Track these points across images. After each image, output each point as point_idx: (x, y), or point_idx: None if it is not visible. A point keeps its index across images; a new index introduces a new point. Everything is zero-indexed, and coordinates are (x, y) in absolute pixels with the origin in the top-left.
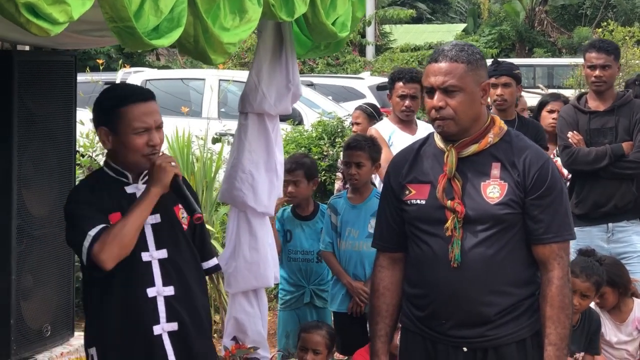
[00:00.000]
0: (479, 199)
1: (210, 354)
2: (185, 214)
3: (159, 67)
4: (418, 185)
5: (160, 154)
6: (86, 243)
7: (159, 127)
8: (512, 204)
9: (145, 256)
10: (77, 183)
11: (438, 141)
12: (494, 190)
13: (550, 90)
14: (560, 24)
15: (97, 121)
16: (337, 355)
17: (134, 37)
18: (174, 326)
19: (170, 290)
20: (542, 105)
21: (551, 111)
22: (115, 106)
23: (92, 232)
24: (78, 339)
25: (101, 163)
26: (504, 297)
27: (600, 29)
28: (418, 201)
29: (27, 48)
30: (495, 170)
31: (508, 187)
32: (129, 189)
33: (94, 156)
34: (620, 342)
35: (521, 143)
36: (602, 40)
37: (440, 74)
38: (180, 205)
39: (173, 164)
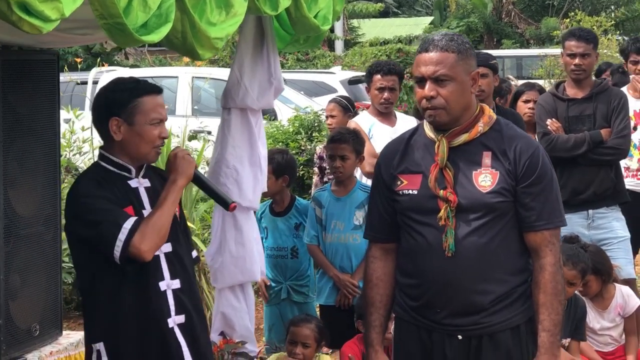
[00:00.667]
0: (471, 187)
1: (210, 346)
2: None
3: (129, 67)
4: (410, 175)
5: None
6: (122, 236)
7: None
8: (504, 192)
9: None
10: (79, 178)
11: (428, 131)
12: (485, 179)
13: (520, 82)
14: (527, 15)
15: (108, 112)
16: (324, 348)
17: (124, 34)
18: (181, 318)
19: (177, 283)
20: (517, 95)
21: (527, 101)
22: (132, 97)
23: (128, 225)
24: (66, 337)
25: (78, 163)
26: (498, 285)
27: (568, 19)
28: (410, 191)
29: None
30: (487, 159)
31: (499, 176)
32: (132, 183)
33: (70, 156)
34: (604, 329)
35: (511, 132)
36: (582, 29)
37: (431, 64)
38: None
39: (187, 155)
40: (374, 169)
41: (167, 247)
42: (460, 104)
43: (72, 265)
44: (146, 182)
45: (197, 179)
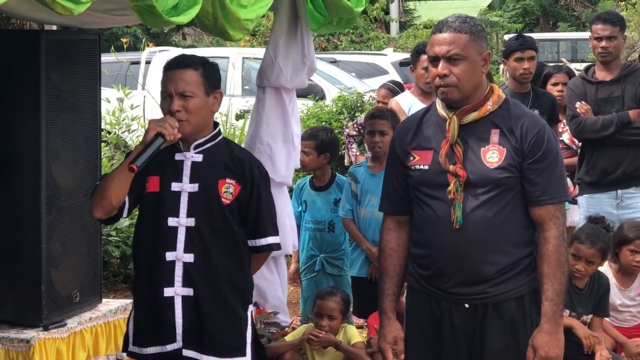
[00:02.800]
0: (479, 163)
1: (230, 325)
2: (230, 189)
3: (185, 47)
4: (421, 151)
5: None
6: None
7: (183, 95)
8: (511, 168)
9: (171, 221)
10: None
11: (440, 109)
12: (493, 155)
13: (574, 65)
14: None
15: None
16: (354, 318)
17: (153, 15)
18: (189, 291)
19: (190, 257)
20: (546, 77)
21: (555, 84)
22: (163, 72)
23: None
24: (105, 305)
25: (127, 140)
26: (504, 256)
27: (624, 2)
28: (422, 166)
29: (54, 28)
30: (495, 136)
31: (506, 152)
32: (178, 156)
33: (119, 133)
34: (624, 305)
35: (518, 111)
36: (608, 12)
37: (445, 44)
38: (228, 180)
39: (166, 124)
40: (389, 146)
41: (190, 222)
42: (471, 82)
43: (119, 239)
44: (197, 157)
45: (150, 143)
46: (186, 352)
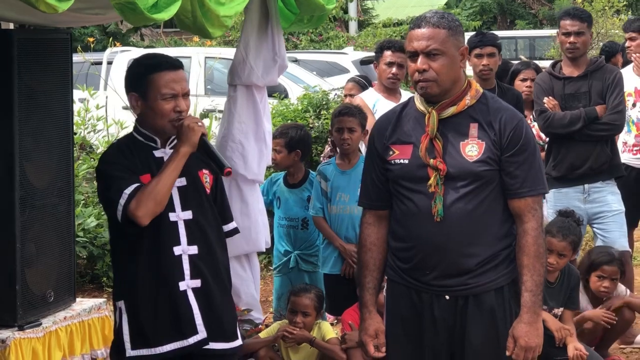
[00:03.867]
0: (459, 157)
1: (230, 310)
2: (208, 179)
3: (144, 47)
4: (401, 145)
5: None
6: (122, 201)
7: (186, 94)
8: (490, 162)
9: (172, 216)
10: (109, 146)
11: (419, 104)
12: (472, 149)
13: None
14: None
15: (128, 87)
16: (327, 316)
17: (135, 13)
18: (197, 283)
19: (194, 249)
20: (514, 73)
21: (524, 79)
22: (145, 73)
23: (128, 191)
24: (80, 304)
25: (92, 140)
26: (484, 248)
27: (580, 0)
28: (401, 161)
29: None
30: (474, 130)
31: (485, 146)
32: (157, 153)
33: (85, 133)
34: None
35: (496, 105)
36: (576, 8)
37: (424, 39)
38: (204, 170)
39: (200, 124)
40: (368, 140)
41: (187, 215)
42: (450, 77)
43: (86, 240)
44: None
45: (203, 146)
46: (212, 345)
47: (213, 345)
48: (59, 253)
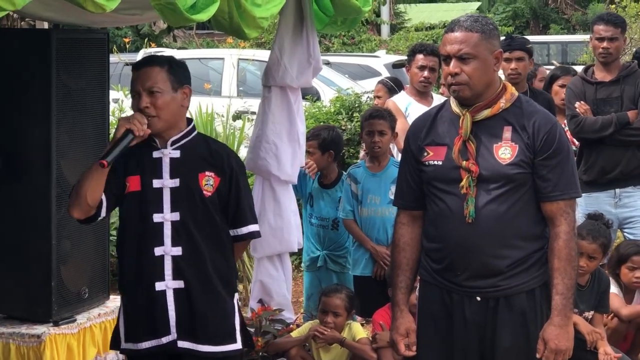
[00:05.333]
0: (492, 159)
1: (220, 314)
2: (211, 182)
3: (177, 49)
4: (435, 147)
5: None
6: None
7: (151, 91)
8: (522, 164)
9: (157, 217)
10: None
11: (454, 106)
12: (505, 151)
13: None
14: (574, 0)
15: None
16: (358, 318)
17: (175, 13)
18: (179, 284)
19: (178, 251)
20: (553, 79)
21: (562, 86)
22: (133, 71)
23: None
24: (113, 301)
25: None
26: (515, 251)
27: (614, 5)
28: (435, 162)
29: (46, 25)
30: (507, 133)
31: (519, 149)
32: (156, 154)
33: None
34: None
35: (531, 108)
36: (610, 13)
37: (456, 43)
38: (207, 172)
39: (135, 120)
40: (404, 142)
41: (175, 216)
42: (482, 80)
43: None
44: (174, 153)
45: (120, 139)
46: (181, 344)
47: (197, 347)
48: (94, 250)
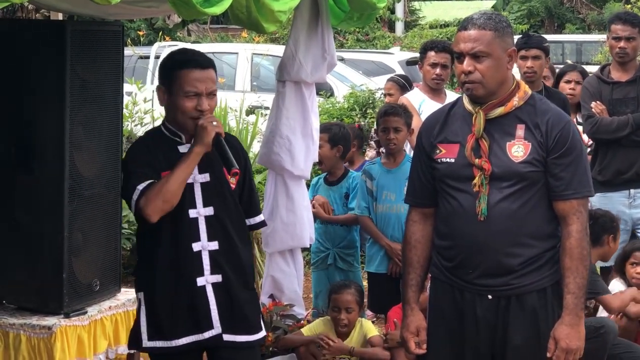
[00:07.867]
0: (505, 157)
1: (252, 304)
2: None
3: (190, 43)
4: (448, 144)
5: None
6: (134, 197)
7: (211, 94)
8: (535, 163)
9: (192, 213)
10: (135, 140)
11: (467, 104)
12: (518, 149)
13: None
14: (590, 0)
15: (159, 80)
16: (368, 312)
17: (188, 6)
18: (218, 278)
19: (214, 245)
20: (560, 75)
21: (568, 81)
22: (173, 68)
23: (141, 187)
24: (125, 294)
25: (139, 133)
26: (527, 249)
27: (630, 5)
28: (448, 159)
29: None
30: (520, 131)
31: (531, 147)
32: (182, 149)
33: (132, 126)
34: None
35: (544, 106)
36: (628, 12)
37: (469, 41)
38: None
39: (214, 123)
40: (416, 139)
41: (209, 211)
42: (495, 78)
43: (130, 232)
44: None
45: (216, 146)
46: (226, 337)
47: (236, 338)
48: (105, 243)
